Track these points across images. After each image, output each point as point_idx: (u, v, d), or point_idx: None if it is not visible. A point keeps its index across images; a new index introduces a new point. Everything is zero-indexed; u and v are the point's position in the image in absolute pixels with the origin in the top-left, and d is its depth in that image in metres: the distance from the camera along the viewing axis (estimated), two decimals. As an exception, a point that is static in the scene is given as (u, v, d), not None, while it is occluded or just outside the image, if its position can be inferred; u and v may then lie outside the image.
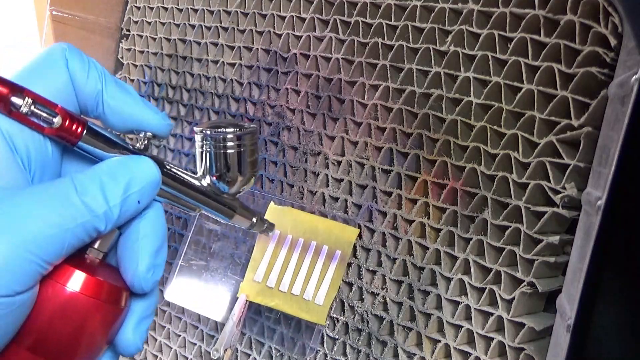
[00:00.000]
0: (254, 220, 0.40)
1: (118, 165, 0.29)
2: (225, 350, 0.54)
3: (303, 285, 0.52)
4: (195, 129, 0.35)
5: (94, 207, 0.27)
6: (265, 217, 0.52)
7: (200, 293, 0.61)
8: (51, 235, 0.25)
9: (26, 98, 0.27)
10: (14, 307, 0.25)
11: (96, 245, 0.29)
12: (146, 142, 0.31)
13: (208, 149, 0.35)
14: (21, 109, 0.26)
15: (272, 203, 0.56)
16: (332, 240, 0.52)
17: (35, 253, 0.25)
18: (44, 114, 0.27)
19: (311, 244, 0.53)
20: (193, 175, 0.35)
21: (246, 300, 0.54)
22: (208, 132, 0.35)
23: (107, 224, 0.28)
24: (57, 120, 0.27)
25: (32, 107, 0.27)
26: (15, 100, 0.26)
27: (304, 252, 0.53)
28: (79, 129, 0.28)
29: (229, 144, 0.35)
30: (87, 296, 0.28)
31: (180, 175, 0.33)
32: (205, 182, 0.35)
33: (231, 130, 0.35)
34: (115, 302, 0.29)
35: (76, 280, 0.27)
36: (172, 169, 0.33)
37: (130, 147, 0.31)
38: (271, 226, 0.42)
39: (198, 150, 0.35)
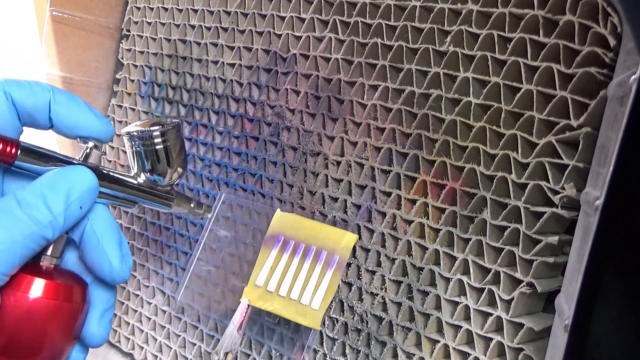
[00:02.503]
0: (192, 205, 0.42)
1: (56, 177, 0.31)
2: (226, 354, 0.55)
3: (301, 290, 0.53)
4: (122, 131, 0.38)
5: (39, 218, 0.29)
6: (272, 223, 0.55)
7: (209, 297, 0.62)
8: (2, 250, 0.27)
9: None
10: None
11: (49, 252, 0.32)
12: (87, 151, 0.34)
13: (137, 149, 0.37)
14: None
15: (278, 210, 0.56)
16: (331, 246, 0.52)
17: None
18: None
19: (311, 249, 0.53)
20: (128, 174, 0.37)
21: (248, 305, 0.55)
22: (135, 133, 0.37)
23: (55, 231, 0.30)
24: None
25: None
26: None
27: (303, 257, 0.54)
28: (13, 150, 0.30)
29: (156, 140, 0.37)
30: (47, 299, 0.30)
31: (116, 177, 0.36)
32: (140, 179, 0.38)
33: (156, 128, 0.37)
34: (75, 300, 0.31)
35: (36, 287, 0.30)
36: (110, 172, 0.35)
37: (65, 158, 0.33)
38: (208, 208, 0.44)
39: (129, 151, 0.38)
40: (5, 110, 0.31)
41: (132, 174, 0.37)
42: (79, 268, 0.34)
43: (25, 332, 0.29)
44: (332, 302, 0.53)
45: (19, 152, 0.30)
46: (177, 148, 0.38)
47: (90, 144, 0.34)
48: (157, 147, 0.37)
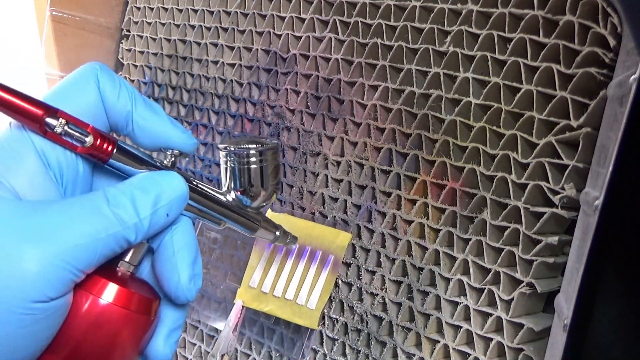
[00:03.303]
0: (277, 233, 0.41)
1: (148, 180, 0.30)
2: (222, 355, 0.55)
3: (296, 290, 0.53)
4: (220, 145, 0.37)
5: (125, 218, 0.28)
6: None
7: (200, 299, 0.62)
8: (83, 245, 0.26)
9: (60, 119, 0.28)
10: (48, 313, 0.26)
11: (127, 259, 0.31)
12: (173, 159, 0.33)
13: (232, 165, 0.36)
14: (55, 129, 0.28)
15: (269, 210, 0.56)
16: (325, 246, 0.53)
17: (68, 261, 0.26)
18: (77, 134, 0.29)
19: (305, 250, 0.53)
20: (218, 190, 0.36)
21: (242, 306, 0.55)
22: (232, 149, 0.36)
23: (138, 235, 0.29)
24: (89, 139, 0.29)
25: (66, 128, 0.28)
26: (50, 121, 0.28)
27: (298, 257, 0.54)
28: (110, 148, 0.30)
29: (252, 159, 0.36)
30: (119, 307, 0.29)
31: (206, 191, 0.35)
32: (230, 197, 0.37)
33: (254, 146, 0.36)
34: (146, 312, 0.30)
35: (109, 292, 0.29)
36: (199, 185, 0.34)
37: (158, 163, 0.32)
38: (294, 239, 0.43)
39: (222, 167, 0.37)
40: (94, 103, 0.30)
41: (222, 191, 0.36)
42: (152, 281, 0.33)
43: (94, 338, 0.28)
44: (330, 301, 0.53)
45: (114, 150, 0.30)
46: (273, 170, 0.37)
47: (176, 151, 0.33)
48: (252, 166, 0.36)
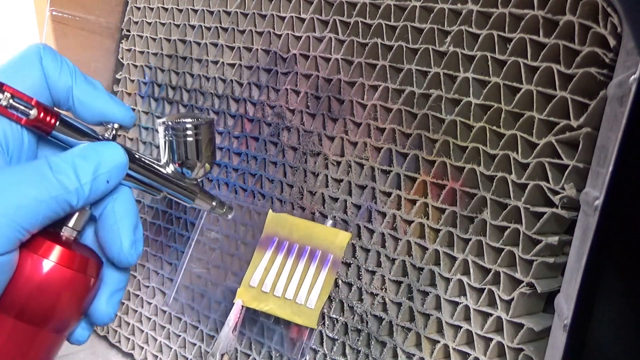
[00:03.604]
0: (214, 203, 0.43)
1: (89, 149, 0.32)
2: (222, 355, 0.55)
3: (296, 290, 0.53)
4: (158, 121, 0.39)
5: (66, 183, 0.30)
6: (265, 224, 0.55)
7: (200, 299, 0.62)
8: (28, 205, 0.28)
9: (5, 92, 0.30)
10: None
11: (70, 224, 0.33)
12: (114, 132, 0.35)
13: (170, 139, 0.38)
14: (1, 102, 0.30)
15: (270, 211, 0.56)
16: (325, 245, 0.53)
17: (13, 219, 0.28)
18: (21, 107, 0.31)
19: (305, 249, 0.53)
20: (158, 162, 0.38)
21: (242, 306, 0.55)
22: (170, 123, 0.38)
23: (79, 199, 0.31)
24: (33, 112, 0.31)
25: (11, 101, 0.30)
26: None
27: (298, 257, 0.54)
28: (53, 120, 0.32)
29: (188, 132, 0.38)
30: (63, 267, 0.31)
31: (146, 162, 0.37)
32: (169, 169, 0.39)
33: (190, 120, 0.38)
34: (88, 273, 0.32)
35: (54, 253, 0.31)
36: (140, 157, 0.36)
37: (99, 136, 0.34)
38: (230, 209, 0.45)
39: (162, 140, 0.39)
40: (38, 80, 0.33)
41: (161, 163, 0.39)
42: (94, 247, 0.35)
43: (39, 297, 0.30)
44: (330, 301, 0.53)
45: (57, 123, 0.32)
46: (208, 144, 0.39)
47: (116, 125, 0.35)
48: (189, 139, 0.38)
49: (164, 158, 0.39)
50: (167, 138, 0.38)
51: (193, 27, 0.67)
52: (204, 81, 0.66)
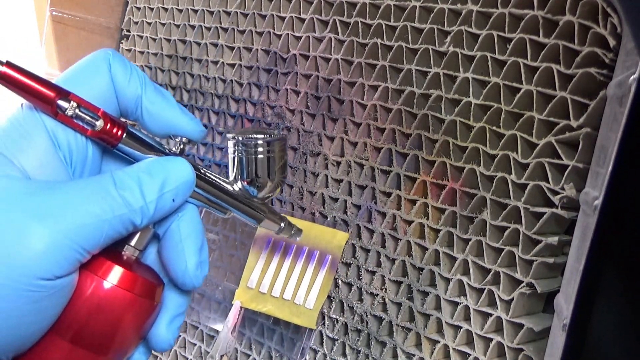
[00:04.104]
0: (282, 225, 0.41)
1: (155, 165, 0.30)
2: (222, 356, 0.55)
3: (294, 290, 0.53)
4: (228, 135, 0.37)
5: (131, 201, 0.28)
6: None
7: (200, 299, 0.62)
8: (90, 224, 0.27)
9: (71, 102, 0.28)
10: (54, 291, 0.26)
11: (133, 243, 0.31)
12: (182, 146, 0.33)
13: (240, 155, 0.37)
14: (66, 111, 0.28)
15: None
16: (322, 246, 0.53)
17: (74, 240, 0.26)
18: (87, 117, 0.29)
19: (303, 250, 0.53)
20: (225, 180, 0.36)
21: (240, 307, 0.55)
22: (240, 139, 0.36)
23: (143, 218, 0.29)
24: (99, 123, 0.29)
25: (77, 111, 0.29)
26: (62, 103, 0.28)
27: (295, 257, 0.54)
28: (119, 132, 0.30)
29: (259, 149, 0.36)
30: (123, 289, 0.29)
31: (213, 179, 0.35)
32: (237, 186, 0.37)
33: (261, 136, 0.36)
34: (150, 297, 0.30)
35: (114, 274, 0.29)
36: (206, 173, 0.34)
37: (167, 150, 0.33)
38: (299, 231, 0.43)
39: (230, 156, 0.37)
40: (105, 87, 0.31)
41: (229, 180, 0.37)
42: (156, 267, 0.33)
43: (97, 320, 0.29)
44: (330, 301, 0.53)
45: (124, 135, 0.30)
46: (279, 161, 0.37)
47: (184, 138, 0.33)
48: (260, 156, 0.36)
49: (232, 175, 0.37)
50: (236, 154, 0.36)
51: (193, 27, 0.67)
52: (204, 81, 0.66)
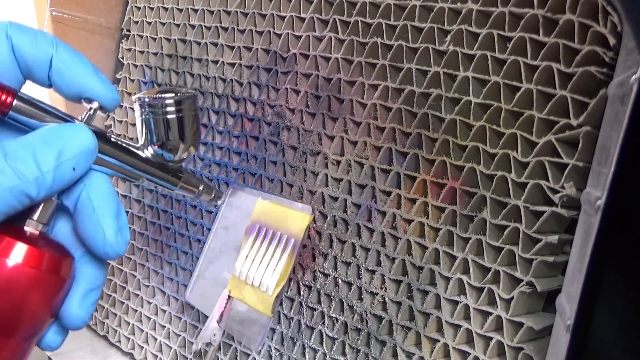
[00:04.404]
0: (200, 188, 0.39)
1: (51, 132, 0.29)
2: (207, 344, 0.54)
3: (261, 276, 0.52)
4: (133, 97, 0.35)
5: (24, 172, 0.27)
6: (252, 212, 0.51)
7: (209, 294, 0.62)
8: None
9: None
10: None
11: (35, 217, 0.29)
12: (91, 112, 0.31)
13: (147, 117, 0.34)
14: None
15: (259, 199, 0.56)
16: (290, 229, 0.51)
17: None
18: None
19: (276, 235, 0.52)
20: (135, 145, 0.34)
21: (229, 296, 0.54)
22: (147, 99, 0.34)
23: (40, 190, 0.27)
24: None
25: None
26: None
27: (269, 243, 0.53)
28: (8, 99, 0.28)
29: (169, 109, 0.34)
30: (27, 266, 0.27)
31: (121, 145, 0.33)
32: (148, 152, 0.35)
33: (170, 95, 0.34)
34: (56, 272, 0.29)
35: (16, 252, 0.27)
36: (113, 139, 0.32)
37: (65, 116, 0.30)
38: (218, 194, 0.41)
39: (138, 119, 0.35)
40: (5, 55, 0.29)
41: (139, 145, 0.34)
42: (71, 241, 0.32)
43: (2, 301, 0.27)
44: (330, 300, 0.53)
45: (14, 101, 0.28)
46: (192, 122, 0.35)
47: (95, 104, 0.31)
48: (170, 116, 0.34)
49: (141, 139, 0.34)
50: (144, 116, 0.34)
51: (193, 26, 0.67)
52: (204, 81, 0.66)
